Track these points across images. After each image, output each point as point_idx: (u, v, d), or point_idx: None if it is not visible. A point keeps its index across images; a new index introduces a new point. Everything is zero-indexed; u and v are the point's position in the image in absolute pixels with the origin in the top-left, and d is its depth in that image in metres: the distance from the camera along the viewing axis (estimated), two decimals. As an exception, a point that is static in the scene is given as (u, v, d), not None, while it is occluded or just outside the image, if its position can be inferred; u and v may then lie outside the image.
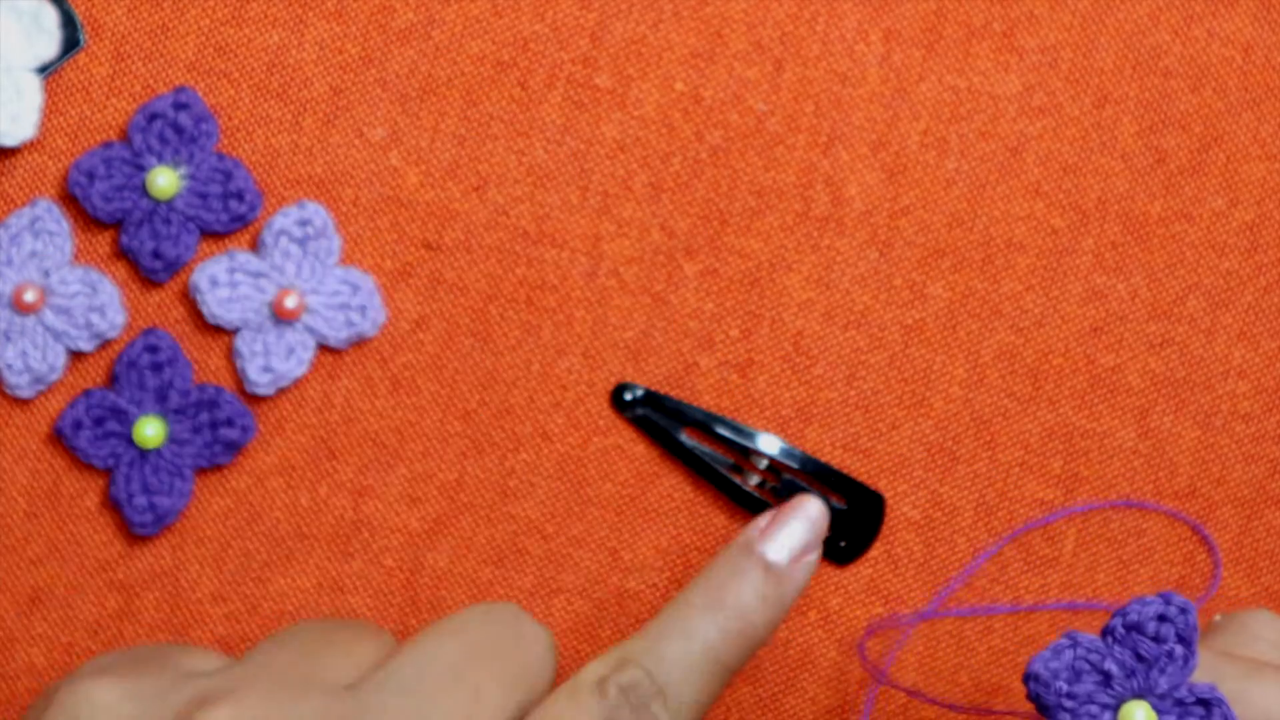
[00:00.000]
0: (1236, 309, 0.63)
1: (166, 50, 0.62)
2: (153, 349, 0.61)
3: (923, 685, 0.63)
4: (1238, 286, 0.63)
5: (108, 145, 0.61)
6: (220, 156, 0.61)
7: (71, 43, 0.61)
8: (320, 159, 0.62)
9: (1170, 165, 0.63)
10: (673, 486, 0.62)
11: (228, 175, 0.61)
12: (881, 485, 0.63)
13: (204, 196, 0.61)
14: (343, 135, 0.62)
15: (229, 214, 0.61)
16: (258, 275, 0.61)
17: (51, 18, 0.61)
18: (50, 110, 0.62)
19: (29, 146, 0.62)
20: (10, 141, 0.60)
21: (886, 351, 0.63)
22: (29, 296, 0.60)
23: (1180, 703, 0.46)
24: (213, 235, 0.62)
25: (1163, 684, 0.46)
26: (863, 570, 0.62)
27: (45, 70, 0.61)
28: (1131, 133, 0.63)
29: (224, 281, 0.61)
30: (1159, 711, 0.46)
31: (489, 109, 0.62)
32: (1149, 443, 0.63)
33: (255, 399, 0.61)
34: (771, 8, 0.63)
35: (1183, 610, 0.46)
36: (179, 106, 0.61)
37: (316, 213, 0.61)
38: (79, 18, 0.61)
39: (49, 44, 0.61)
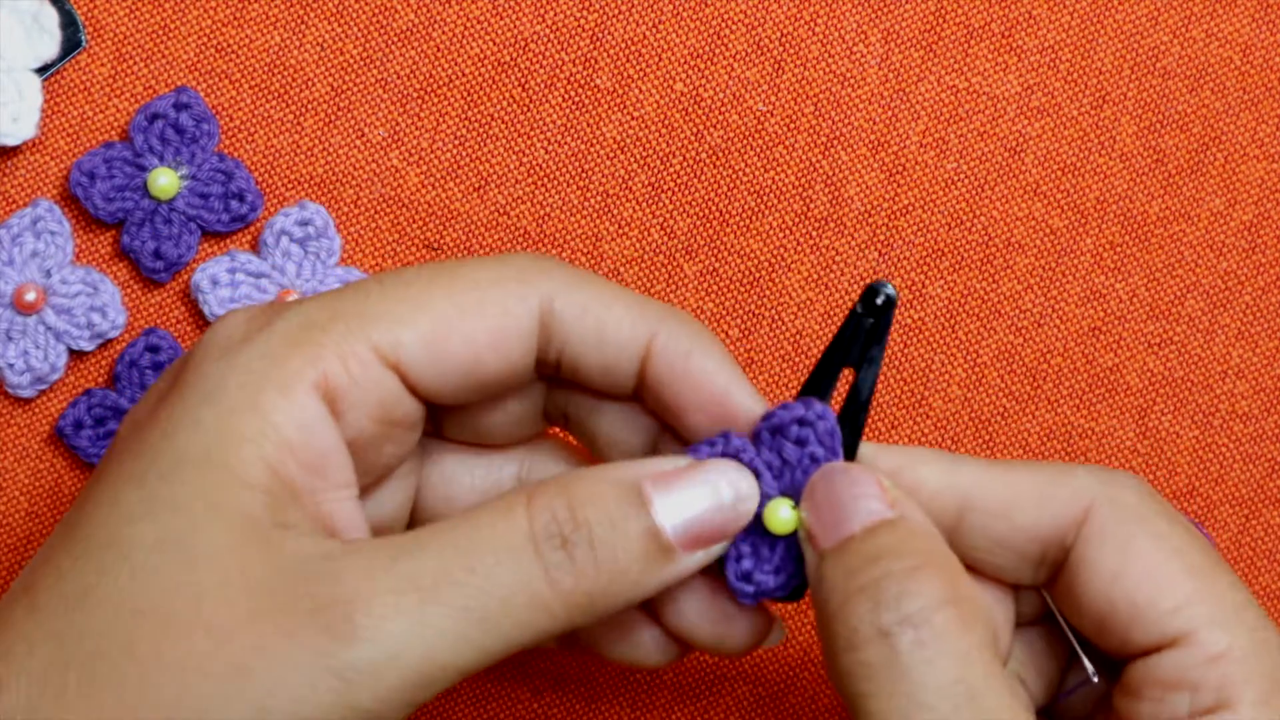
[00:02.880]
0: (1235, 309, 0.63)
1: (167, 51, 0.62)
2: (154, 349, 0.61)
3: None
4: (1237, 287, 0.63)
5: (109, 145, 0.61)
6: (221, 157, 0.61)
7: (73, 43, 0.61)
8: (321, 159, 0.62)
9: (1169, 165, 0.63)
10: (673, 486, 0.62)
11: (228, 175, 0.61)
12: (881, 485, 0.63)
13: (205, 197, 0.61)
14: (343, 136, 0.62)
15: (230, 214, 0.61)
16: (258, 275, 0.61)
17: (52, 18, 0.61)
18: (51, 110, 0.62)
19: (30, 146, 0.62)
20: (11, 141, 0.60)
21: (887, 351, 0.63)
22: (30, 296, 0.60)
23: None
24: (213, 235, 0.62)
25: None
26: (862, 570, 0.62)
27: (46, 71, 0.61)
28: (1131, 133, 0.63)
29: (225, 281, 0.61)
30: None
31: (489, 109, 0.62)
32: (1148, 442, 0.63)
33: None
34: (771, 8, 0.63)
35: (821, 416, 0.47)
36: (180, 107, 0.61)
37: (317, 213, 0.61)
38: (80, 18, 0.62)
39: (50, 44, 0.61)
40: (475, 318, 0.46)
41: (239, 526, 0.43)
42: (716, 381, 0.48)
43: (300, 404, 0.45)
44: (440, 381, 0.47)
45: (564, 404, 0.50)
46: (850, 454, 0.48)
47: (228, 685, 0.42)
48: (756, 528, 0.47)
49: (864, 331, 0.48)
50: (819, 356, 0.49)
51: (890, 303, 0.48)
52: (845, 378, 0.51)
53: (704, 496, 0.46)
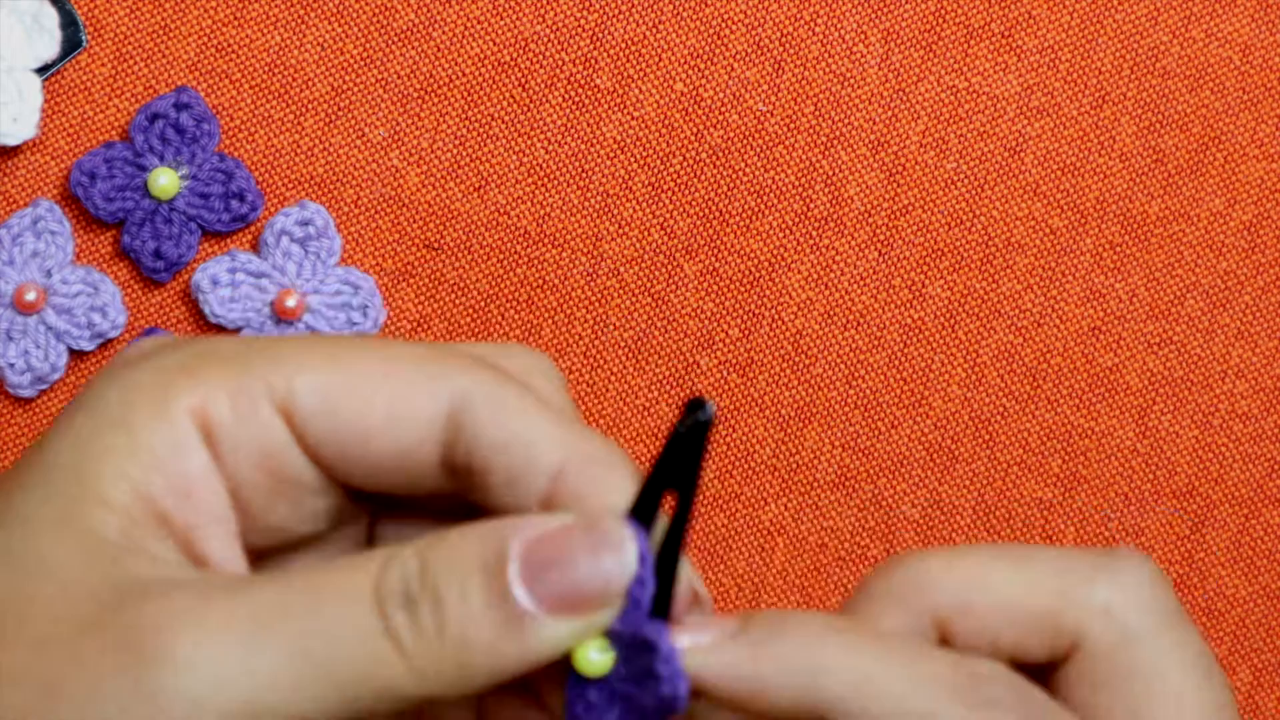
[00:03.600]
0: (1235, 309, 0.63)
1: (168, 51, 0.62)
2: (154, 349, 0.61)
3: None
4: (1236, 286, 0.63)
5: (109, 145, 0.61)
6: (221, 157, 0.61)
7: (73, 43, 0.61)
8: (321, 159, 0.62)
9: (1169, 165, 0.63)
10: (673, 486, 0.62)
11: (229, 175, 0.61)
12: (881, 485, 0.63)
13: (205, 196, 0.61)
14: (343, 136, 0.62)
15: (230, 214, 0.61)
16: (259, 275, 0.61)
17: (53, 18, 0.61)
18: (51, 110, 0.62)
19: (30, 146, 0.62)
20: (12, 141, 0.60)
21: (886, 351, 0.63)
22: (30, 296, 0.60)
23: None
24: (214, 235, 0.62)
25: None
26: (862, 570, 0.62)
27: (47, 70, 0.61)
28: (1131, 133, 0.63)
29: (225, 281, 0.61)
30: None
31: (489, 109, 0.62)
32: (1148, 442, 0.63)
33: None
34: (771, 8, 0.63)
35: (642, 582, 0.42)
36: (180, 107, 0.61)
37: (317, 213, 0.61)
38: (80, 18, 0.62)
39: (50, 44, 0.61)
40: (377, 384, 0.43)
41: (85, 544, 0.41)
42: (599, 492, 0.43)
43: (173, 425, 0.42)
44: (333, 443, 0.43)
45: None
46: (662, 605, 0.42)
47: (38, 700, 0.40)
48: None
49: (688, 447, 0.42)
50: (648, 473, 0.43)
51: (703, 425, 0.42)
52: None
53: (583, 559, 0.41)
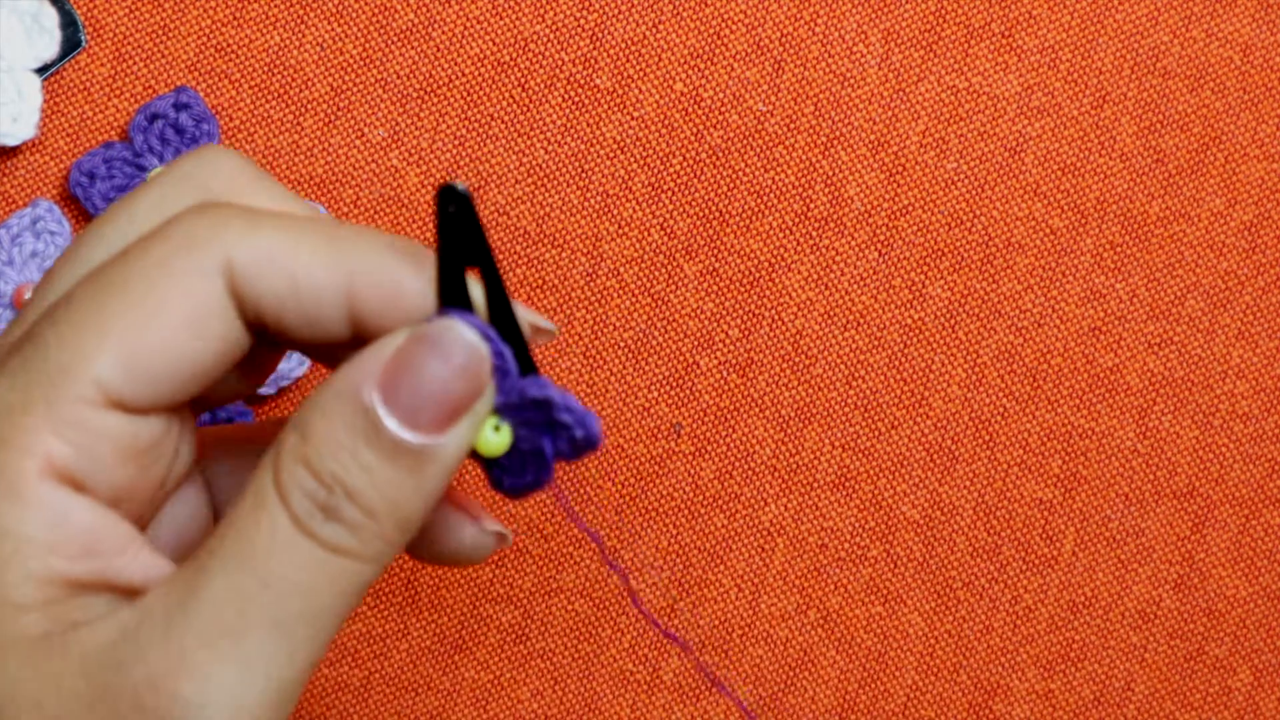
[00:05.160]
0: (1235, 309, 0.63)
1: (167, 51, 0.62)
2: (153, 349, 0.61)
3: (921, 684, 0.63)
4: (1237, 286, 0.63)
5: (109, 145, 0.61)
6: (221, 157, 0.61)
7: (72, 43, 0.61)
8: (320, 159, 0.62)
9: (1169, 165, 0.63)
10: (672, 487, 0.62)
11: (228, 175, 0.61)
12: (881, 485, 0.63)
13: (204, 197, 0.61)
14: (343, 136, 0.62)
15: (229, 214, 0.61)
16: (258, 275, 0.61)
17: (52, 18, 0.61)
18: (51, 110, 0.62)
19: (30, 147, 0.62)
20: (11, 141, 0.60)
21: (886, 351, 0.63)
22: (30, 296, 0.60)
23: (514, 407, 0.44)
24: (213, 235, 0.62)
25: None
26: (862, 570, 0.62)
27: (46, 70, 0.61)
28: (1131, 133, 0.63)
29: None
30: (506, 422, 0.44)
31: (489, 109, 0.62)
32: (1148, 442, 0.63)
33: (256, 398, 0.61)
34: (771, 8, 0.63)
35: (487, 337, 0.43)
36: (180, 107, 0.61)
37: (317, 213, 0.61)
38: (80, 18, 0.62)
39: (50, 44, 0.61)
40: (162, 318, 0.42)
41: (26, 653, 0.40)
42: (429, 300, 0.43)
43: (38, 502, 0.41)
44: (160, 391, 0.43)
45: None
46: (526, 362, 0.44)
47: None
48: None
49: (458, 226, 0.43)
50: (439, 267, 0.43)
51: (464, 199, 0.43)
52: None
53: (435, 369, 0.42)
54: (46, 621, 0.41)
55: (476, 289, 0.43)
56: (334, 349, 0.44)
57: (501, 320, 0.43)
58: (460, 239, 0.43)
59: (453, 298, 0.43)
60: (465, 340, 0.42)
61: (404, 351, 0.42)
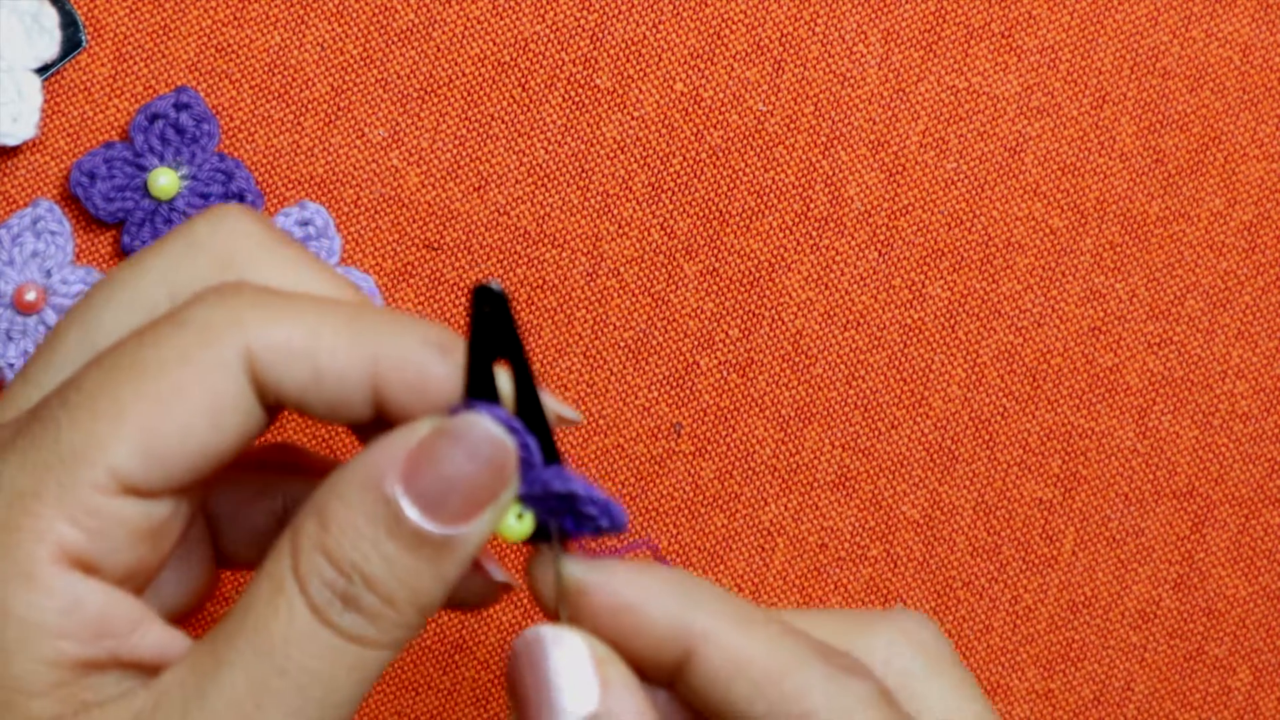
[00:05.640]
0: (1235, 309, 0.63)
1: (167, 51, 0.62)
2: (154, 349, 0.61)
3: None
4: (1236, 286, 0.63)
5: (109, 145, 0.61)
6: (221, 157, 0.61)
7: (73, 43, 0.61)
8: (321, 159, 0.62)
9: (1169, 165, 0.63)
10: (672, 487, 0.62)
11: (229, 175, 0.61)
12: (881, 485, 0.63)
13: (205, 197, 0.61)
14: (343, 136, 0.62)
15: (230, 214, 0.61)
16: (258, 275, 0.61)
17: (53, 18, 0.61)
18: (51, 110, 0.62)
19: (30, 146, 0.62)
20: (11, 141, 0.60)
21: (886, 351, 0.63)
22: (30, 296, 0.60)
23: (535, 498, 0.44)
24: (213, 235, 0.62)
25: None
26: (862, 570, 0.62)
27: (46, 70, 0.61)
28: (1130, 133, 0.63)
29: (225, 281, 0.61)
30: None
31: (489, 109, 0.62)
32: (1148, 442, 0.63)
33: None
34: (771, 8, 0.63)
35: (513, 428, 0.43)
36: (180, 107, 0.61)
37: (317, 213, 0.61)
38: (80, 18, 0.62)
39: (50, 44, 0.61)
40: (181, 410, 0.41)
41: None
42: (454, 387, 0.43)
43: (49, 589, 0.41)
44: (176, 478, 0.42)
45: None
46: (550, 452, 0.43)
47: None
48: None
49: (491, 324, 0.43)
50: (467, 358, 0.43)
51: (500, 299, 0.43)
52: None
53: (460, 462, 0.41)
54: (57, 705, 0.41)
55: (503, 378, 0.43)
56: (356, 425, 0.44)
57: (528, 408, 0.43)
58: (493, 334, 0.43)
59: (479, 388, 0.43)
60: (491, 435, 0.42)
61: (428, 443, 0.41)
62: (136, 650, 0.42)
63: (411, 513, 0.41)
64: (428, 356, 0.43)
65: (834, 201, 0.63)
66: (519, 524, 0.43)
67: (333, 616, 0.41)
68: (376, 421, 0.43)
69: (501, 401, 0.43)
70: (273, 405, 0.43)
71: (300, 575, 0.41)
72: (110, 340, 0.44)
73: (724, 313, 0.62)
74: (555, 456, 0.43)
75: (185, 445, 0.42)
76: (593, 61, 0.63)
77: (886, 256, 0.63)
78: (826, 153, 0.63)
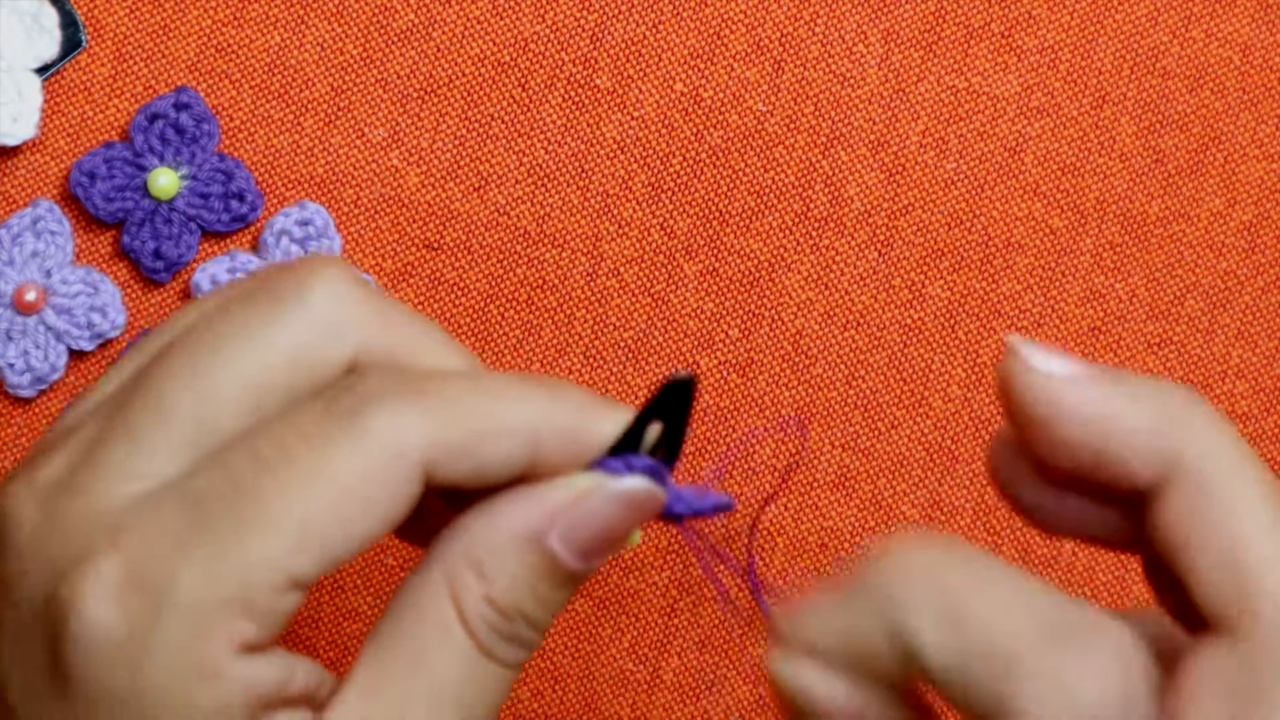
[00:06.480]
0: (1235, 309, 0.63)
1: (167, 51, 0.62)
2: (153, 349, 0.61)
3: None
4: (1236, 287, 0.63)
5: (109, 145, 0.61)
6: (221, 157, 0.61)
7: (73, 43, 0.61)
8: (320, 159, 0.62)
9: (1169, 165, 0.63)
10: (673, 486, 0.62)
11: (228, 175, 0.61)
12: (881, 485, 0.63)
13: (205, 197, 0.61)
14: (343, 136, 0.62)
15: (230, 214, 0.61)
16: (258, 275, 0.61)
17: (52, 18, 0.61)
18: (51, 110, 0.62)
19: (30, 146, 0.62)
20: (11, 141, 0.60)
21: (886, 351, 0.63)
22: (30, 296, 0.60)
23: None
24: (213, 235, 0.62)
25: None
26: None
27: (46, 70, 0.61)
28: (1130, 133, 0.63)
29: (225, 281, 0.61)
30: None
31: (489, 110, 0.62)
32: (1148, 442, 0.63)
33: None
34: (771, 8, 0.63)
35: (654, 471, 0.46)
36: (180, 107, 0.61)
37: (317, 213, 0.61)
38: (80, 18, 0.62)
39: (50, 44, 0.61)
40: (363, 522, 0.43)
41: None
42: (605, 440, 0.45)
43: (231, 679, 0.43)
44: (340, 563, 0.44)
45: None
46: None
47: None
48: None
49: (674, 406, 0.46)
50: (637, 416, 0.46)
51: (689, 386, 0.46)
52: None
53: (618, 517, 0.45)
54: None
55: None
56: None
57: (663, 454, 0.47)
58: (664, 411, 0.46)
59: (628, 443, 0.46)
60: (649, 492, 0.45)
61: (589, 498, 0.45)
62: (296, 692, 0.44)
63: (568, 559, 0.44)
64: (586, 418, 0.45)
65: (834, 201, 0.63)
66: (634, 537, 0.47)
67: (497, 653, 0.45)
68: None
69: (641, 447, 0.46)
70: (432, 489, 0.45)
71: (469, 623, 0.44)
72: (233, 414, 0.44)
73: (724, 313, 0.62)
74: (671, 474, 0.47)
75: (357, 543, 0.44)
76: (593, 61, 0.63)
77: (886, 256, 0.63)
78: (826, 153, 0.63)
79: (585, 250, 0.62)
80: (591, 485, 0.45)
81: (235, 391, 0.44)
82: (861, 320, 0.63)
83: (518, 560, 0.44)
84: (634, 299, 0.62)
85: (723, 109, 0.63)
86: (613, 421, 0.45)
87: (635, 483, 0.45)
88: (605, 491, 0.45)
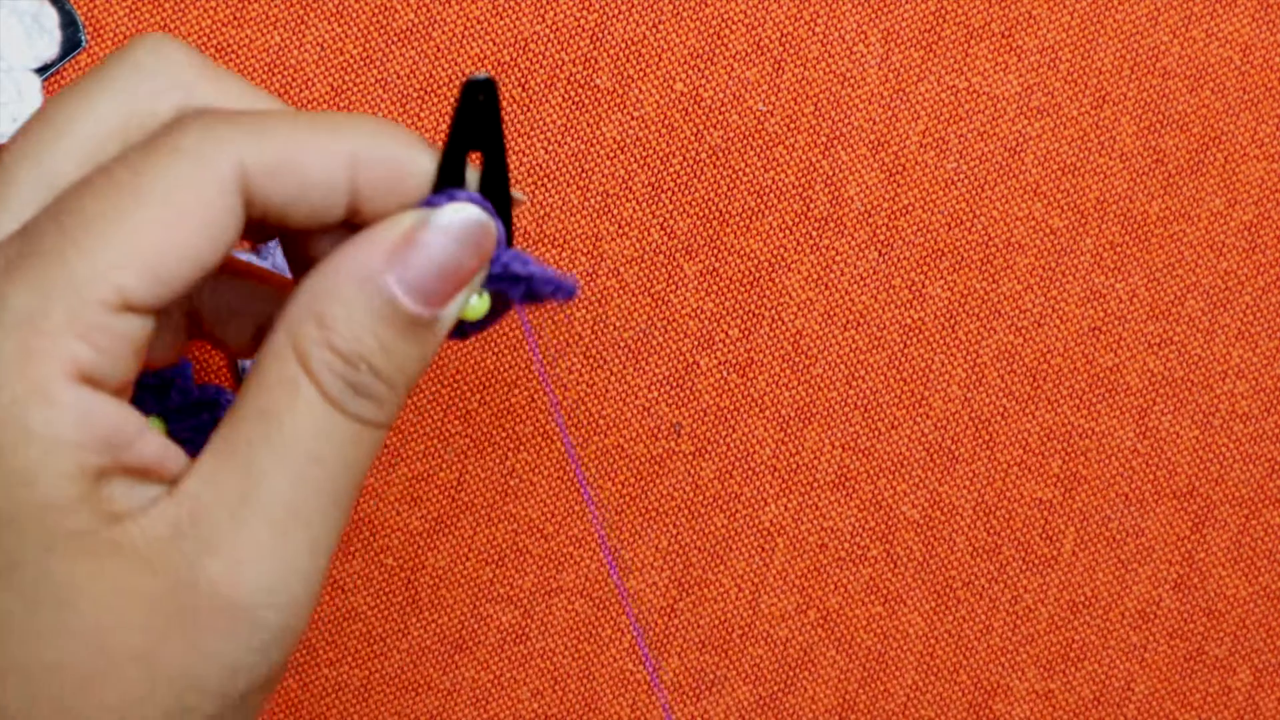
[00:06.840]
0: (1235, 309, 0.63)
1: (167, 51, 0.62)
2: (153, 349, 0.61)
3: (921, 684, 0.63)
4: (1237, 286, 0.63)
5: (108, 145, 0.61)
6: (221, 157, 0.61)
7: (73, 43, 0.61)
8: (321, 159, 0.62)
9: (1169, 165, 0.63)
10: (672, 487, 0.62)
11: (228, 175, 0.61)
12: (881, 485, 0.63)
13: (204, 197, 0.61)
14: (343, 135, 0.62)
15: (229, 214, 0.61)
16: (258, 275, 0.61)
17: (52, 18, 0.61)
18: (51, 110, 0.62)
19: (30, 147, 0.62)
20: (11, 142, 0.60)
21: (886, 351, 0.63)
22: None
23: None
24: (213, 235, 0.62)
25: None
26: (862, 570, 0.62)
27: (46, 70, 0.61)
28: (1131, 133, 0.63)
29: (225, 281, 0.61)
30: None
31: (489, 109, 0.62)
32: (1148, 442, 0.63)
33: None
34: (771, 8, 0.63)
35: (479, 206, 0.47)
36: (179, 107, 0.61)
37: (317, 213, 0.61)
38: (80, 18, 0.62)
39: (50, 44, 0.61)
40: (184, 232, 0.44)
41: (77, 552, 0.43)
42: (428, 181, 0.46)
43: (64, 404, 0.43)
44: (173, 293, 0.45)
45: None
46: (508, 233, 0.48)
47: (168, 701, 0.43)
48: None
49: (479, 114, 0.47)
50: (445, 145, 0.47)
51: (491, 85, 0.46)
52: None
53: (451, 250, 0.46)
54: (88, 519, 0.43)
55: (470, 171, 0.47)
56: (314, 231, 0.48)
57: (491, 194, 0.47)
58: (476, 125, 0.46)
59: (451, 178, 0.46)
60: (478, 220, 0.46)
61: (416, 233, 0.45)
62: (140, 458, 0.44)
63: (406, 301, 0.45)
64: (405, 152, 0.46)
65: (834, 201, 0.63)
66: (478, 300, 0.47)
67: (347, 405, 0.44)
68: (343, 225, 0.47)
69: (468, 188, 0.47)
70: (256, 219, 0.46)
71: (313, 373, 0.44)
72: (71, 172, 0.46)
73: (724, 313, 0.62)
74: (510, 241, 0.47)
75: (185, 264, 0.44)
76: (593, 61, 0.63)
77: (886, 256, 0.63)
78: (826, 153, 0.63)
79: (585, 250, 0.62)
80: (419, 219, 0.45)
81: (71, 155, 0.46)
82: (861, 320, 0.63)
83: (355, 304, 0.44)
84: (634, 299, 0.62)
85: (723, 109, 0.63)
86: (434, 158, 0.46)
87: (463, 211, 0.46)
88: (434, 224, 0.45)
